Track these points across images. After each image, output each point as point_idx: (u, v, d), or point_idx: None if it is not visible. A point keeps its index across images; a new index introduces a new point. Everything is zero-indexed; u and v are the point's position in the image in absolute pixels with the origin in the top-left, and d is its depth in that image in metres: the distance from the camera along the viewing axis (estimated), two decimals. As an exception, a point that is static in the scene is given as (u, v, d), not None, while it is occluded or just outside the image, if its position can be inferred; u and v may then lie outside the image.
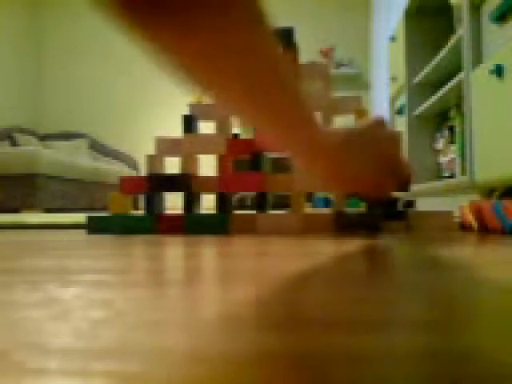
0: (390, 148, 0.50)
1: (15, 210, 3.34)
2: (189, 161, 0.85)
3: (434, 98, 2.27)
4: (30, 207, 3.30)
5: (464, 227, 0.80)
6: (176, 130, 4.95)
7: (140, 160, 4.95)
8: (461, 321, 0.19)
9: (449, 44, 2.01)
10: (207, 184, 0.81)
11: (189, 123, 0.92)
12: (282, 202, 4.78)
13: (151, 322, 0.20)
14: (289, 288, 0.28)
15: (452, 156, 2.31)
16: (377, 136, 0.50)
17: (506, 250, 0.47)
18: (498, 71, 1.48)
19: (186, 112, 4.97)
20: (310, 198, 4.68)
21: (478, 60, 1.74)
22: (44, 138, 4.96)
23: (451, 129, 2.32)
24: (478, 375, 0.13)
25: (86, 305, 0.24)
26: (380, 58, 4.54)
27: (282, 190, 0.79)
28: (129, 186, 0.83)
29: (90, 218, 0.83)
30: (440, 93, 2.16)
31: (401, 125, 2.92)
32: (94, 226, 0.82)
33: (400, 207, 0.69)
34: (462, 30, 1.83)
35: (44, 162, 3.39)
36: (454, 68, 2.35)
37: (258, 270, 0.36)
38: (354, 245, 0.55)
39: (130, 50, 5.05)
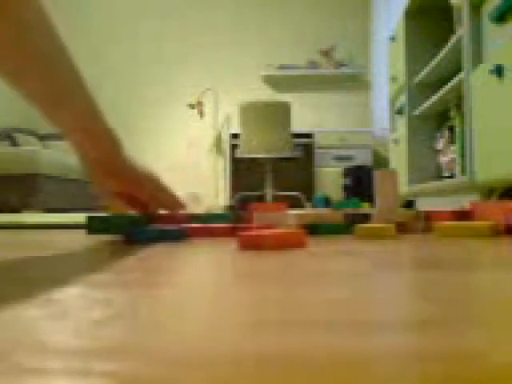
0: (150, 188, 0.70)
1: (15, 210, 3.35)
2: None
3: (434, 98, 2.27)
4: (30, 207, 3.31)
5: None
6: (175, 130, 4.95)
7: (140, 160, 4.95)
8: (460, 321, 0.19)
9: (449, 44, 2.01)
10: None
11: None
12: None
13: (151, 322, 0.20)
14: (288, 288, 0.28)
15: (452, 156, 2.31)
16: (145, 176, 0.68)
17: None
18: (498, 71, 1.48)
19: (186, 112, 4.97)
20: (309, 198, 4.68)
21: (478, 60, 1.74)
22: (44, 137, 4.96)
23: (451, 129, 2.32)
24: (477, 375, 0.13)
25: (86, 305, 0.24)
26: (380, 57, 4.54)
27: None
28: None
29: (90, 218, 0.83)
30: (440, 93, 2.16)
31: (401, 125, 2.92)
32: (95, 226, 0.82)
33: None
34: (462, 30, 1.83)
35: (44, 162, 3.39)
36: (453, 68, 2.35)
37: (253, 270, 0.36)
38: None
39: (129, 51, 5.04)
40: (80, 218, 1.50)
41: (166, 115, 4.92)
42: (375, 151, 4.71)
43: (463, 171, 2.12)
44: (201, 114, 4.47)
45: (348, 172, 3.84)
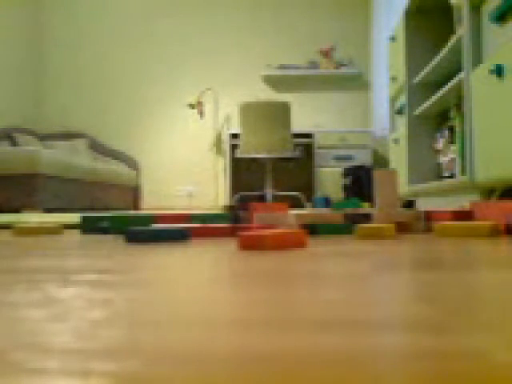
0: None
1: (15, 210, 3.35)
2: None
3: (434, 98, 2.27)
4: (30, 207, 3.31)
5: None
6: (175, 130, 4.95)
7: (140, 160, 4.95)
8: (460, 321, 0.19)
9: (449, 44, 2.01)
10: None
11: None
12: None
13: (151, 322, 0.20)
14: (287, 287, 0.28)
15: (452, 156, 2.31)
16: None
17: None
18: (498, 71, 1.48)
19: (186, 111, 4.97)
20: (309, 198, 4.68)
21: (478, 60, 1.74)
22: (44, 137, 4.96)
23: (451, 129, 2.32)
24: (477, 375, 0.13)
25: (86, 305, 0.24)
26: (380, 58, 4.54)
27: None
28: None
29: (85, 218, 0.83)
30: (440, 93, 2.17)
31: (401, 125, 2.92)
32: (89, 226, 0.82)
33: None
34: (462, 30, 1.83)
35: (44, 162, 3.39)
36: (454, 68, 2.36)
37: (253, 270, 0.36)
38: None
39: (129, 51, 5.05)
40: (76, 218, 1.50)
41: (166, 115, 4.93)
42: (375, 151, 4.71)
43: (463, 171, 2.12)
44: (201, 114, 4.47)
45: (348, 172, 3.84)
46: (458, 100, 2.27)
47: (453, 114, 2.31)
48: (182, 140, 4.96)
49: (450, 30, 2.70)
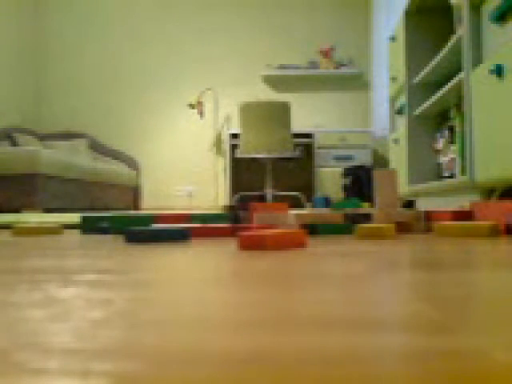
0: None
1: (15, 210, 3.35)
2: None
3: (433, 98, 2.27)
4: (30, 207, 3.31)
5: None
6: (175, 130, 4.95)
7: (140, 160, 4.95)
8: (460, 320, 0.19)
9: (449, 44, 2.01)
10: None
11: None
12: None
13: (151, 323, 0.20)
14: (287, 287, 0.28)
15: (452, 156, 2.31)
16: None
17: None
18: (498, 71, 1.48)
19: (186, 111, 4.97)
20: (309, 198, 4.68)
21: (478, 60, 1.74)
22: (44, 137, 4.96)
23: (451, 129, 2.32)
24: (477, 375, 0.13)
25: (86, 305, 0.24)
26: (380, 57, 4.54)
27: None
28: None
29: (85, 218, 0.83)
30: (440, 93, 2.17)
31: (401, 125, 2.92)
32: (89, 226, 0.82)
33: None
34: (462, 30, 1.83)
35: (44, 162, 3.39)
36: (454, 68, 2.36)
37: (253, 270, 0.36)
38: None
39: (129, 51, 5.05)
40: (76, 218, 1.50)
41: (166, 115, 4.93)
42: (375, 151, 4.71)
43: (463, 171, 2.12)
44: (201, 114, 4.47)
45: (348, 172, 3.84)
46: (458, 100, 2.27)
47: (453, 114, 2.31)
48: (182, 140, 4.97)
49: (450, 30, 2.70)
